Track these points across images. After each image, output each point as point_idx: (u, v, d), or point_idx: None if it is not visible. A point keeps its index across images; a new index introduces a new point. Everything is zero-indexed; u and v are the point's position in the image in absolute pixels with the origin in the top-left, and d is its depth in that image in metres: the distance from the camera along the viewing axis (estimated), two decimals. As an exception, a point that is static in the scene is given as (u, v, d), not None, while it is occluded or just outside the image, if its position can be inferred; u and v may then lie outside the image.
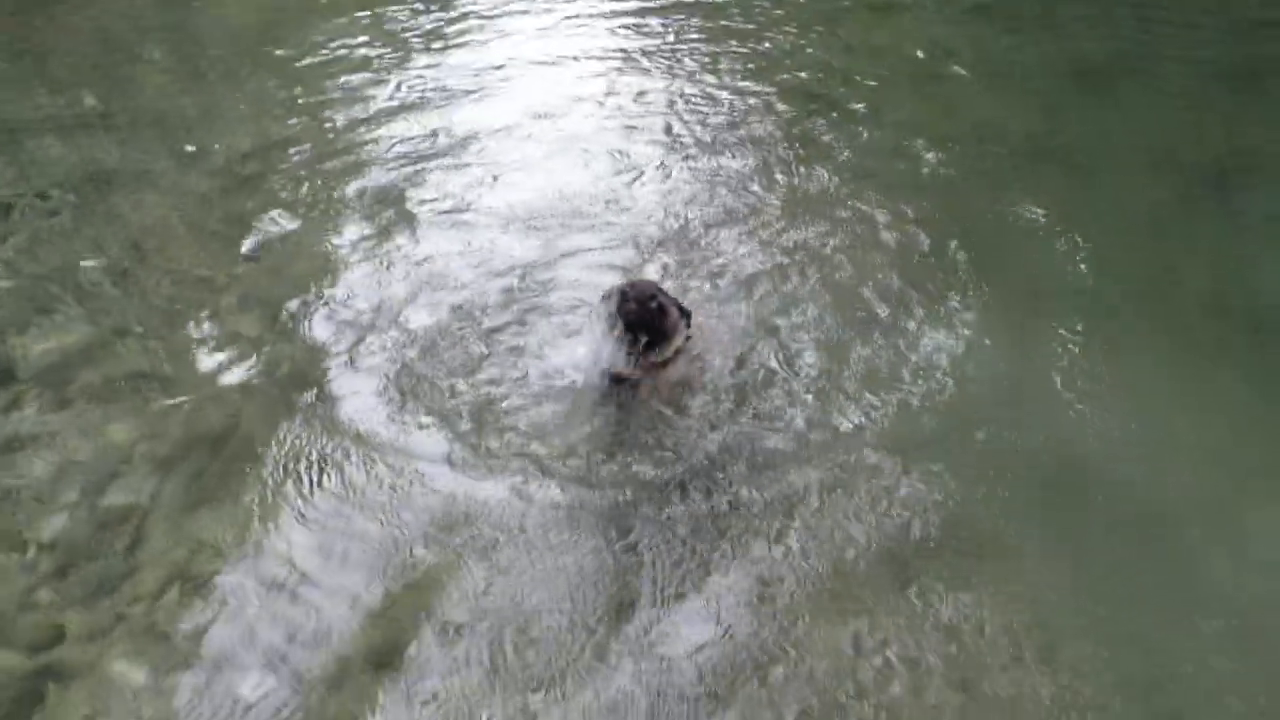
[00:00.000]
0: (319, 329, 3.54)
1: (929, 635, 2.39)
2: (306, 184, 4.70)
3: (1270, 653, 2.36)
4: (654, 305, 3.00)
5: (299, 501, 2.75)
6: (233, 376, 3.28)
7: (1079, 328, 3.50)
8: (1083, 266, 3.91)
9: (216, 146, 5.11)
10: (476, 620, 2.41)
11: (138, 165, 4.93)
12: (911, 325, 3.47)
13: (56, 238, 4.20)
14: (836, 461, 2.88)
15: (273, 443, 2.96)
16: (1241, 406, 3.18)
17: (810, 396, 3.14)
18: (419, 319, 3.57)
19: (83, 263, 3.95)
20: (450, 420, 3.04)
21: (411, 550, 2.59)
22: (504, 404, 3.12)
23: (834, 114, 5.33)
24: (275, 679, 2.28)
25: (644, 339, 2.99)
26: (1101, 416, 3.06)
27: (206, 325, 3.58)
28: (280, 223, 4.34)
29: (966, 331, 3.44)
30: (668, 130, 5.15)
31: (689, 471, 2.85)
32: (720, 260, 3.92)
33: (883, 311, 3.56)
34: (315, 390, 3.20)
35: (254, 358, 3.37)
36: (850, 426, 3.01)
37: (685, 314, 3.17)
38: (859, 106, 5.43)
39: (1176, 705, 2.27)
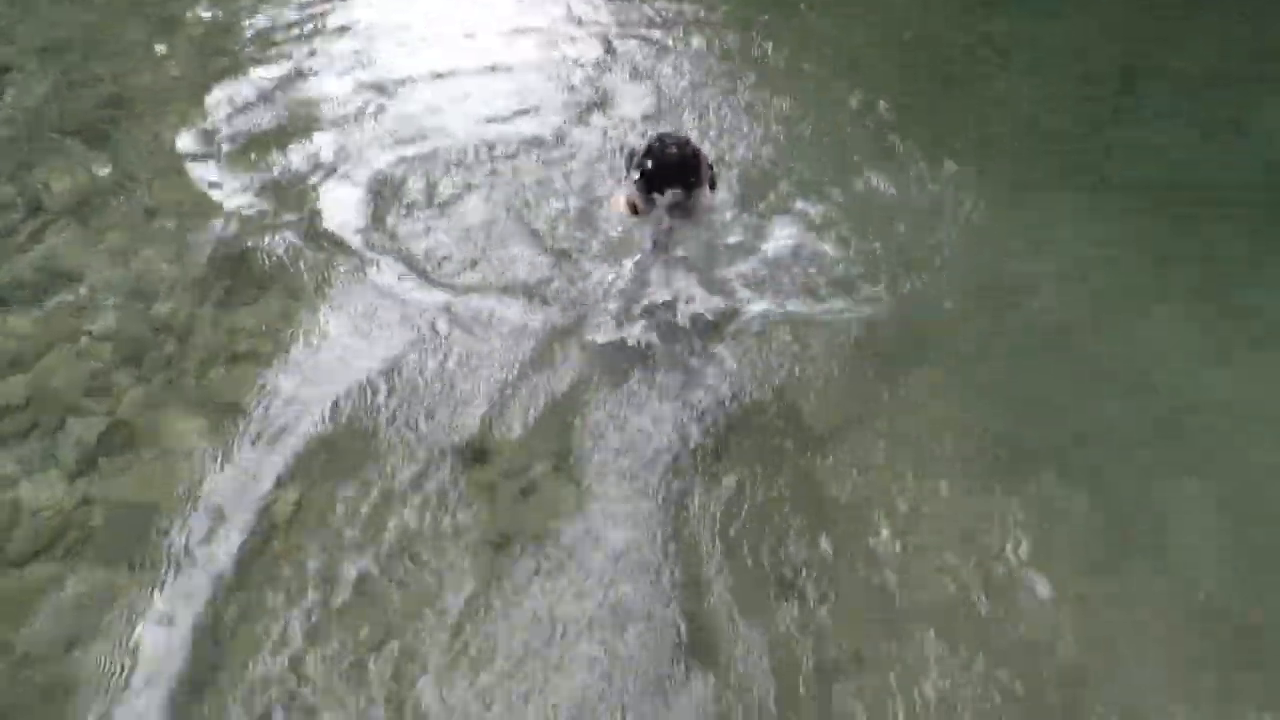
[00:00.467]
0: (305, 170, 3.88)
1: (862, 394, 2.95)
2: (279, 48, 4.91)
3: (1157, 410, 2.98)
4: (690, 150, 3.21)
5: (316, 295, 3.18)
6: (240, 208, 3.61)
7: (1006, 183, 4.08)
8: (1013, 141, 4.53)
9: (183, 18, 5.21)
10: (471, 360, 2.93)
11: (107, 35, 5.00)
12: (863, 175, 3.97)
13: (43, 100, 4.32)
14: (797, 277, 3.36)
15: (285, 260, 3.34)
16: (1129, 245, 3.78)
17: (781, 236, 3.55)
18: (399, 162, 3.89)
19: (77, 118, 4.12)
20: (428, 238, 3.45)
21: (416, 325, 3.06)
22: (480, 228, 3.51)
23: (786, 10, 5.75)
24: (310, 419, 2.70)
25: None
26: (1021, 251, 3.65)
27: (205, 167, 3.87)
28: (260, 83, 4.56)
29: (913, 184, 3.97)
30: (626, 21, 5.47)
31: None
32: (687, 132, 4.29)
33: (837, 164, 4.03)
34: (314, 214, 3.58)
35: (254, 194, 3.71)
36: (809, 257, 3.47)
37: (710, 166, 3.37)
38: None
39: (1093, 458, 2.83)
